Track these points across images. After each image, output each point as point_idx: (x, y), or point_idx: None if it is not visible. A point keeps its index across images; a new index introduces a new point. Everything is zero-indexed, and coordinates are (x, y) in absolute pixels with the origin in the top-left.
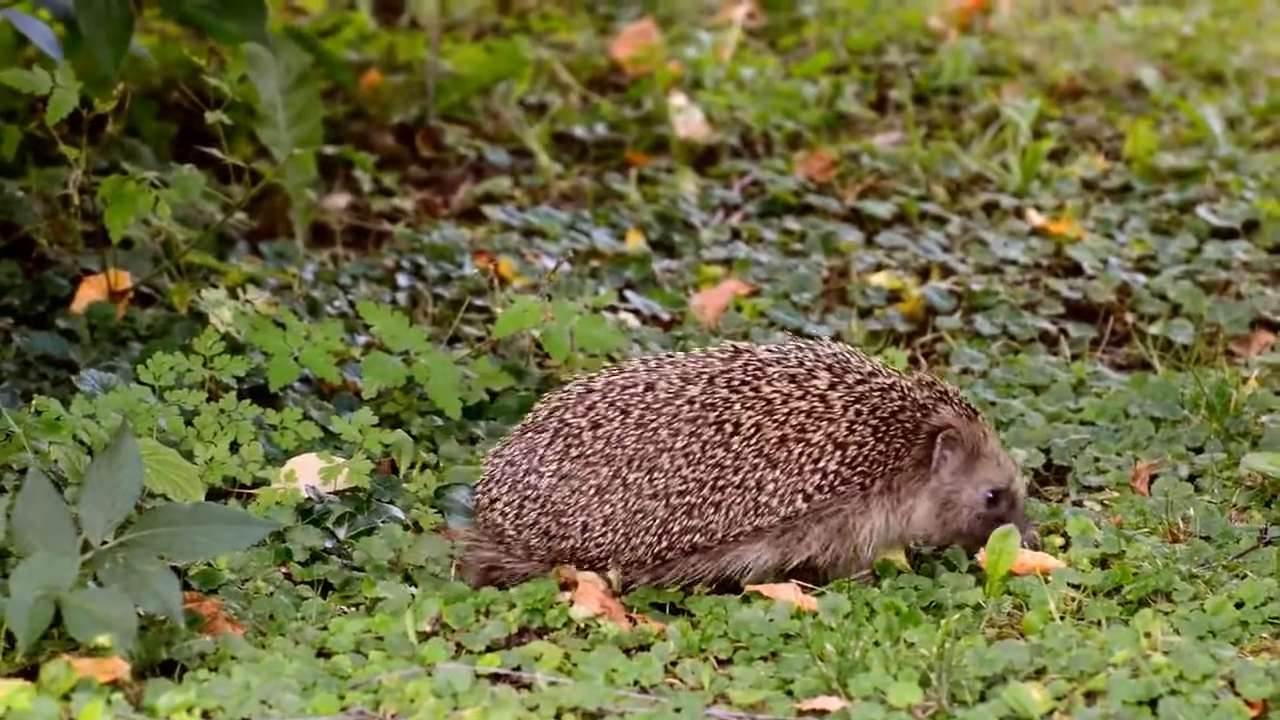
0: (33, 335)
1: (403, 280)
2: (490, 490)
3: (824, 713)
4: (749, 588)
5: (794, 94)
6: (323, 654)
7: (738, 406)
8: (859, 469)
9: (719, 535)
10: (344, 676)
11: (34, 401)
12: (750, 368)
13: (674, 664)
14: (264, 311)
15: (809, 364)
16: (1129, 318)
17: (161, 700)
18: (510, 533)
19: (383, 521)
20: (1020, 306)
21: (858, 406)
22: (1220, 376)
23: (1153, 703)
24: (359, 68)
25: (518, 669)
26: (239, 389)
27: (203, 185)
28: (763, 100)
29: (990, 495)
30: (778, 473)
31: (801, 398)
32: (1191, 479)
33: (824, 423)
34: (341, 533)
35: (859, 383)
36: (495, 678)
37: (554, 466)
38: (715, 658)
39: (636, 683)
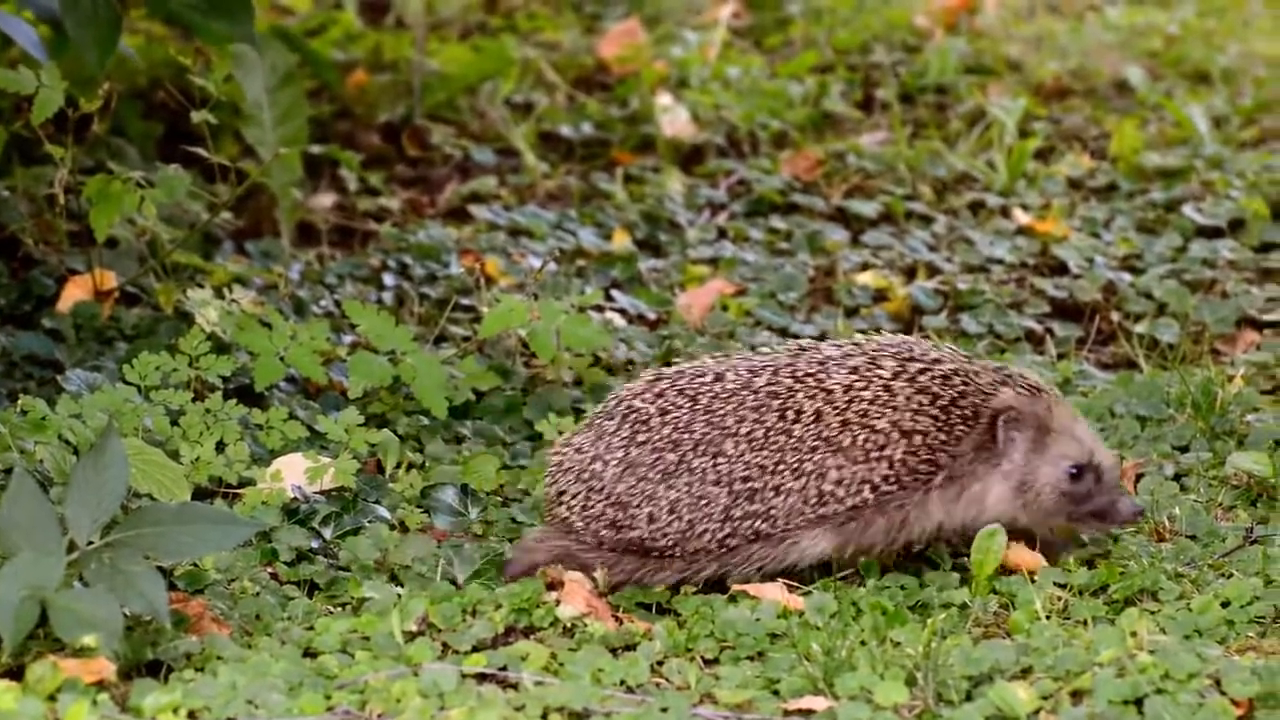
0: (18, 335)
1: (389, 280)
2: (557, 481)
3: (810, 712)
4: (735, 587)
5: (780, 93)
6: (309, 654)
7: (800, 395)
8: (924, 458)
9: (780, 522)
10: (330, 676)
11: (19, 401)
12: (815, 360)
13: (660, 663)
14: (250, 311)
15: (873, 353)
16: (1115, 316)
17: (147, 700)
18: (578, 524)
19: (369, 521)
20: (1006, 305)
21: (920, 397)
22: (1206, 375)
23: (1139, 702)
24: (345, 67)
25: (504, 669)
26: (225, 389)
27: (188, 185)
28: (748, 99)
29: (1072, 471)
30: (842, 460)
31: (864, 387)
32: (1177, 478)
33: (888, 410)
34: (327, 532)
35: (922, 371)
36: (481, 677)
37: (620, 454)
38: (701, 657)
39: (623, 682)
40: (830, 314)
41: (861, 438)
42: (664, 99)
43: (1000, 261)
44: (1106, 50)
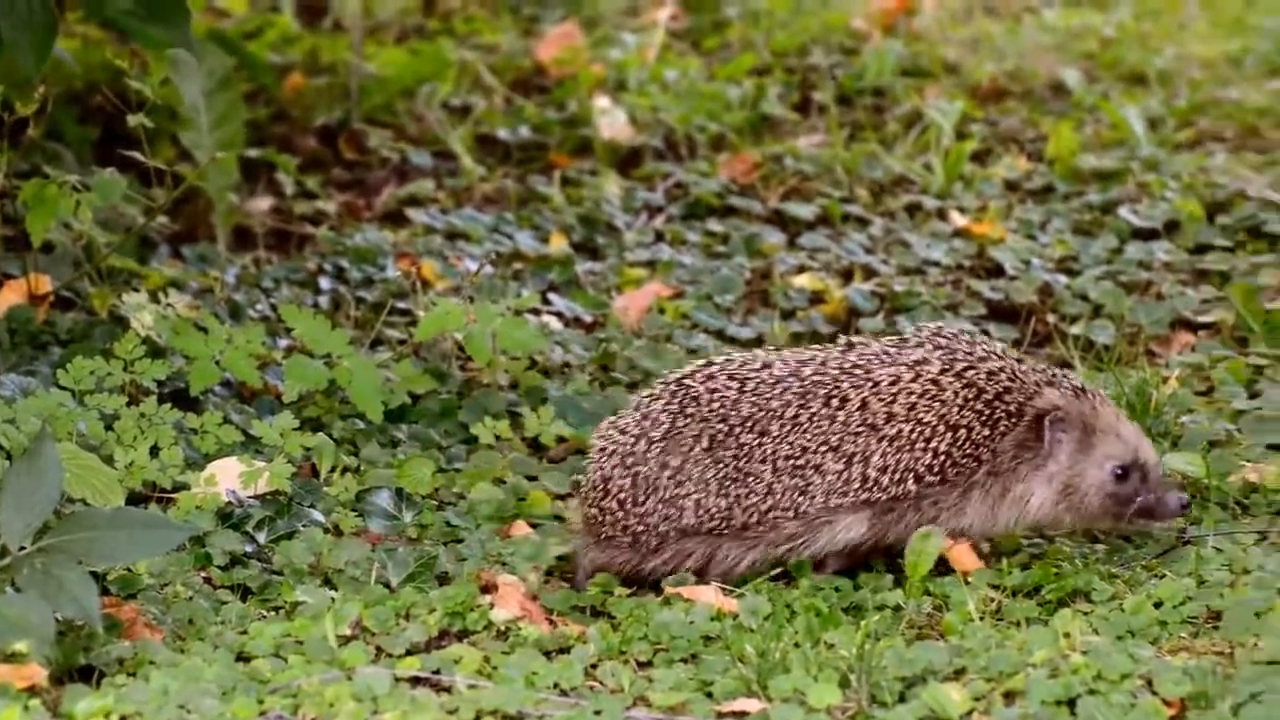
0: None
1: (325, 283)
2: (603, 467)
3: (744, 714)
4: (669, 590)
5: (717, 96)
6: (242, 658)
7: (846, 385)
8: (967, 453)
9: (820, 501)
10: (263, 681)
11: None
12: (863, 355)
13: (594, 666)
14: (185, 315)
15: (922, 351)
16: (1051, 318)
17: (79, 706)
18: (638, 528)
19: (303, 525)
20: (943, 307)
21: (966, 391)
22: (1141, 377)
23: (1071, 702)
24: (282, 70)
25: (437, 672)
26: (160, 393)
27: (124, 189)
28: (686, 102)
29: (1118, 471)
30: (886, 446)
31: (913, 379)
32: None
33: (936, 404)
34: (262, 537)
35: (968, 368)
36: (415, 681)
37: (665, 428)
38: (635, 660)
39: (557, 685)
40: (767, 316)
41: (908, 428)
42: (602, 102)
43: (937, 264)
44: (1043, 52)
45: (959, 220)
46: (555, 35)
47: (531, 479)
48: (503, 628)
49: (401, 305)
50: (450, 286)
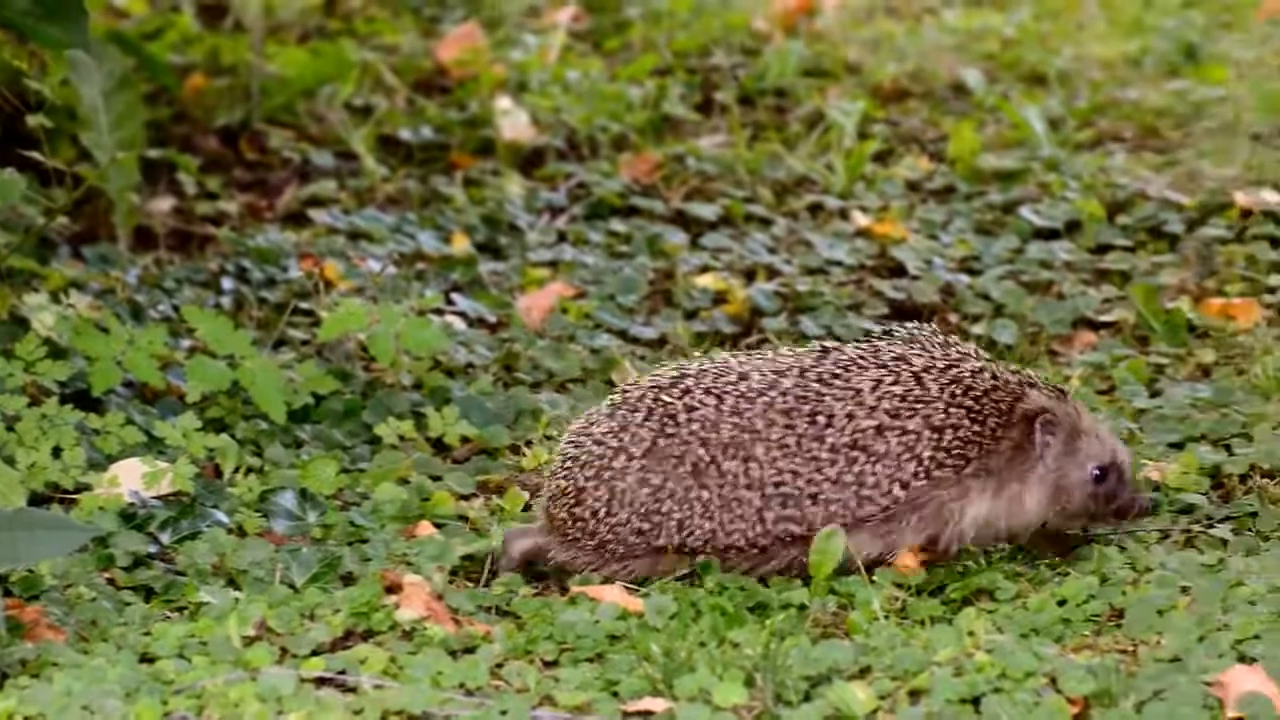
0: None
1: (227, 284)
2: (575, 478)
3: (649, 714)
4: (575, 589)
5: (619, 96)
6: (146, 659)
7: (829, 399)
8: (955, 452)
9: (818, 526)
10: (167, 682)
11: None
12: (840, 361)
13: (500, 666)
14: (87, 316)
15: (899, 349)
16: (953, 318)
17: None
18: (607, 536)
19: (206, 526)
20: (845, 307)
21: (952, 388)
22: (1043, 376)
23: (976, 701)
24: (182, 70)
25: (343, 673)
26: (61, 394)
27: (24, 189)
28: (588, 102)
29: (1097, 472)
30: (876, 465)
31: (894, 382)
32: None
33: (919, 405)
34: (165, 537)
35: (951, 365)
36: (320, 681)
37: (646, 445)
38: (541, 659)
39: (462, 685)
40: (670, 316)
41: (894, 439)
42: (503, 102)
43: (839, 263)
44: (944, 53)
45: (861, 220)
46: (456, 36)
47: (436, 479)
48: (408, 628)
49: (304, 306)
50: (353, 287)
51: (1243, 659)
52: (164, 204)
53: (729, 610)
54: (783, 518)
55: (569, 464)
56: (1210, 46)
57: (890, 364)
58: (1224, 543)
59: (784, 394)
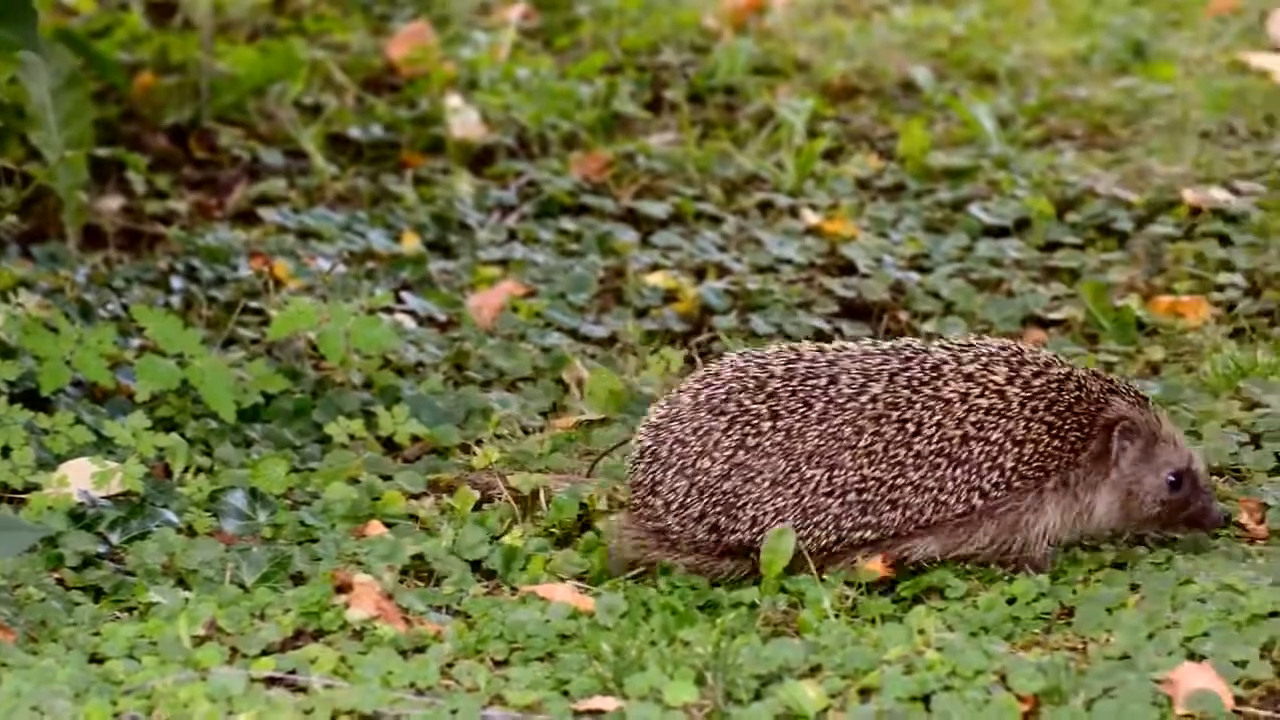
0: None
1: (177, 283)
2: (654, 471)
3: (600, 712)
4: (525, 589)
5: (569, 94)
6: (95, 660)
7: (918, 407)
8: (1035, 465)
9: (893, 531)
10: (117, 682)
11: None
12: (928, 365)
13: (450, 665)
14: (35, 315)
15: (984, 359)
16: (903, 316)
17: None
18: (675, 527)
19: (156, 526)
20: (795, 305)
21: (1034, 403)
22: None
23: (926, 699)
24: (131, 69)
25: (293, 672)
26: (10, 393)
27: None
28: (538, 100)
29: (1172, 479)
30: (958, 473)
31: (980, 394)
32: None
33: (1003, 420)
34: (115, 537)
35: (1035, 376)
36: (270, 681)
37: (728, 454)
38: (492, 659)
39: (413, 685)
40: (621, 315)
41: (978, 450)
42: (453, 100)
43: (789, 261)
44: (893, 51)
45: (811, 218)
46: (406, 34)
47: (386, 478)
48: (358, 627)
49: (254, 304)
50: (303, 285)
51: (1192, 656)
52: (113, 203)
53: (680, 609)
54: (860, 524)
55: (649, 458)
56: (1158, 44)
57: (976, 376)
58: (1173, 540)
59: (874, 400)
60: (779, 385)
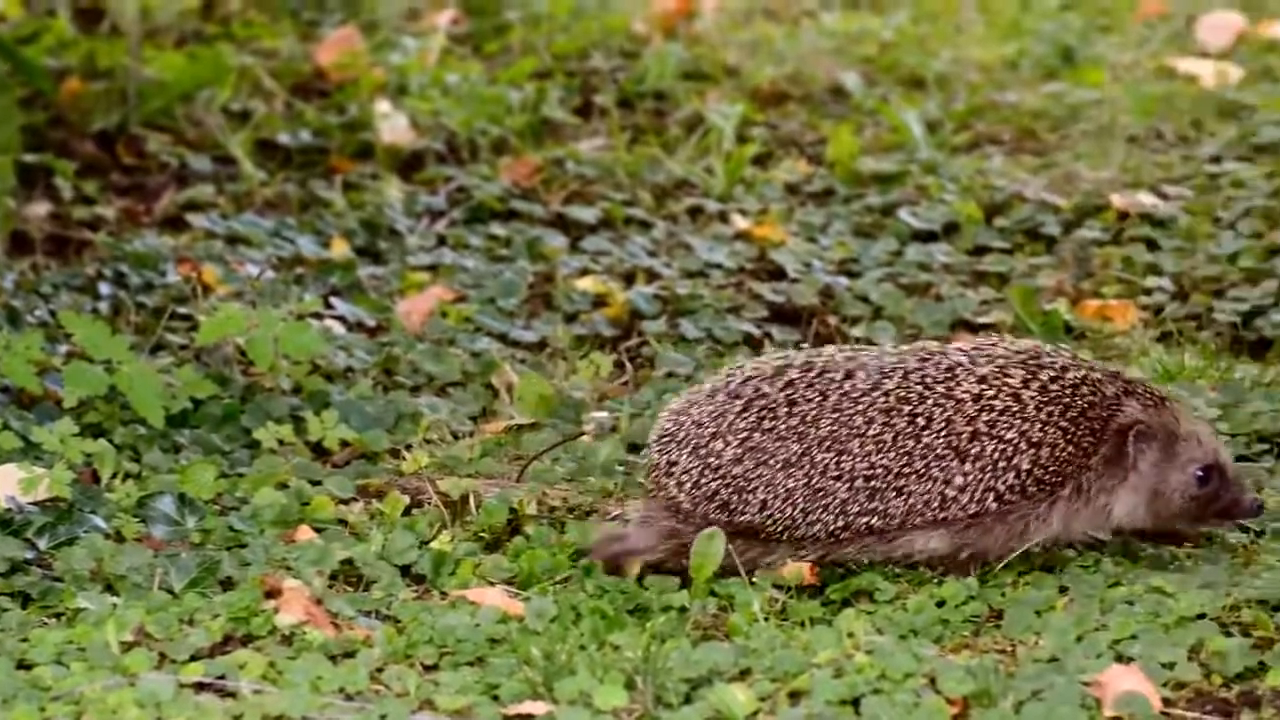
0: None
1: (105, 289)
2: (670, 451)
3: (530, 717)
4: (454, 593)
5: (499, 99)
6: (23, 666)
7: (929, 403)
8: (1051, 470)
9: (897, 521)
10: (45, 688)
11: None
12: (944, 367)
13: (380, 670)
14: None
15: (1001, 361)
16: (832, 320)
17: None
18: (686, 505)
19: (84, 531)
20: (725, 310)
21: (1050, 408)
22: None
23: (855, 702)
24: (58, 74)
25: (222, 678)
26: None
27: None
28: (467, 106)
29: (1200, 475)
30: (968, 467)
31: (994, 396)
32: None
33: (1018, 420)
34: (42, 543)
35: (1052, 380)
36: (199, 687)
37: (743, 436)
38: (421, 663)
39: (342, 690)
40: (550, 319)
41: (990, 447)
42: (383, 106)
43: (719, 266)
44: (822, 56)
45: (740, 223)
46: (335, 39)
47: (315, 483)
48: (287, 632)
49: (182, 310)
50: (231, 291)
51: (1120, 659)
52: (40, 209)
53: (609, 613)
54: (867, 510)
55: (664, 440)
56: (1087, 49)
57: (990, 378)
58: (1101, 543)
59: (886, 395)
60: (797, 375)
